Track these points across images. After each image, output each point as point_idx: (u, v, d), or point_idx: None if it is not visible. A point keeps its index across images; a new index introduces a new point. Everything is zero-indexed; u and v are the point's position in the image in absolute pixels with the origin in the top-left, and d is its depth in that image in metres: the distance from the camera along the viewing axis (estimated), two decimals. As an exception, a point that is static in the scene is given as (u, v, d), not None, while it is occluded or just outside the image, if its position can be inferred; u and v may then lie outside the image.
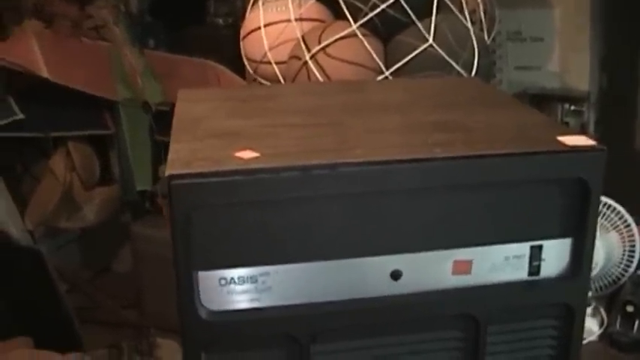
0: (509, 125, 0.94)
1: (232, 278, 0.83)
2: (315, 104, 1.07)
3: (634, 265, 1.53)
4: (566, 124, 1.96)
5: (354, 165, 0.80)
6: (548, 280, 0.89)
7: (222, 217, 0.80)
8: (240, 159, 0.81)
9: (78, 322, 1.95)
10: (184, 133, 0.92)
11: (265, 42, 1.67)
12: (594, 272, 1.48)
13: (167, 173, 0.78)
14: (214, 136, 0.90)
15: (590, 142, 0.86)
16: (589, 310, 1.52)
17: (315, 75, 1.58)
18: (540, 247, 0.88)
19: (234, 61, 2.02)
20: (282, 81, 1.68)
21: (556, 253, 0.88)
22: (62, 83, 2.06)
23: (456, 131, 0.91)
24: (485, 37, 1.67)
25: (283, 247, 0.82)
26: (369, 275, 0.85)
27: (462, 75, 1.54)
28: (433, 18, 1.56)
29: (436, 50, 1.53)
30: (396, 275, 0.85)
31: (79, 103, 2.12)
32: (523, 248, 0.87)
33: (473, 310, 0.87)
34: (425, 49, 1.55)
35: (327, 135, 0.91)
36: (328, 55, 1.58)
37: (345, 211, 0.82)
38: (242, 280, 0.83)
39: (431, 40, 1.54)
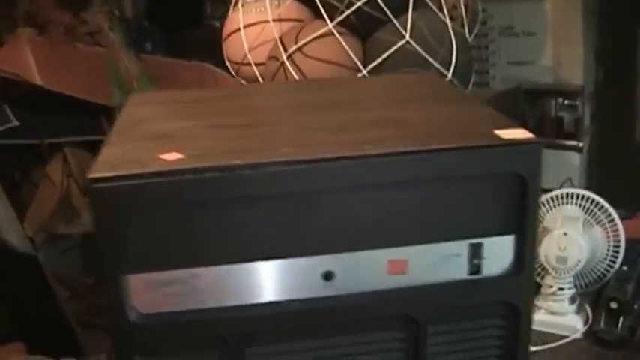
0: (450, 120, 0.92)
1: (162, 281, 0.82)
2: (262, 104, 1.07)
3: (618, 260, 1.49)
4: (561, 118, 1.93)
5: (276, 164, 0.78)
6: (490, 279, 0.87)
7: (146, 219, 0.79)
8: (164, 161, 0.80)
9: (79, 327, 1.95)
10: (120, 136, 0.92)
11: (245, 43, 1.66)
12: (578, 268, 1.45)
13: (89, 176, 0.77)
14: (148, 139, 0.89)
15: (527, 135, 0.83)
16: (573, 307, 1.48)
17: (292, 75, 1.56)
18: (480, 245, 0.86)
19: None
20: (260, 82, 1.67)
21: (497, 251, 0.86)
22: (56, 90, 2.07)
23: (393, 128, 0.89)
24: (467, 33, 1.64)
25: (212, 249, 0.81)
26: (301, 276, 0.83)
27: (439, 72, 1.52)
28: (410, 14, 1.54)
29: (413, 47, 1.51)
30: (328, 276, 0.84)
31: (75, 109, 2.13)
32: (462, 246, 0.85)
33: (411, 311, 0.86)
34: (402, 45, 1.52)
35: (260, 135, 0.89)
36: (305, 55, 1.56)
37: (272, 212, 0.81)
38: (172, 283, 0.82)
39: (407, 37, 1.52)
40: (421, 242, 0.84)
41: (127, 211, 0.78)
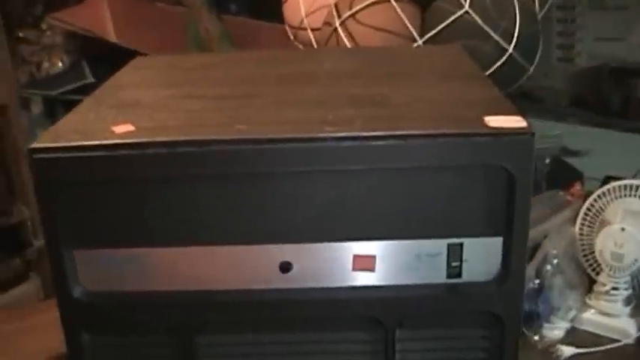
0: (440, 102, 0.82)
1: (110, 258, 0.77)
2: (256, 73, 0.99)
3: (682, 263, 1.34)
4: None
5: (221, 143, 0.71)
6: (472, 285, 0.77)
7: (91, 193, 0.75)
8: (112, 133, 0.74)
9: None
10: (90, 102, 0.88)
11: (302, 7, 1.59)
12: (635, 267, 1.31)
13: (29, 147, 0.72)
14: (114, 107, 0.85)
15: (521, 124, 0.72)
16: (628, 309, 1.34)
17: (344, 42, 1.48)
18: (460, 246, 0.76)
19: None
20: (314, 48, 1.59)
21: (481, 254, 0.76)
22: (132, 47, 2.06)
23: (371, 107, 0.80)
24: (536, 4, 1.50)
25: (164, 229, 0.76)
26: (256, 265, 0.77)
27: (499, 44, 1.40)
28: (470, -19, 1.42)
29: (472, 17, 1.39)
30: (285, 267, 0.76)
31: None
32: (439, 246, 0.76)
33: (378, 313, 0.77)
34: (460, 16, 1.41)
35: (227, 109, 0.82)
36: (358, 22, 1.48)
37: (223, 194, 0.74)
38: (121, 261, 0.78)
39: (467, 7, 1.40)
40: (392, 238, 0.75)
41: (67, 184, 0.74)
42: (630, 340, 1.31)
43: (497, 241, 0.76)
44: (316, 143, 0.71)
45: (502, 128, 0.72)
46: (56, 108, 2.12)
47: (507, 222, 0.74)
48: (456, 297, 0.77)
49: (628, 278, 1.33)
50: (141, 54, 2.02)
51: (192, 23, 2.22)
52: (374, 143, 0.71)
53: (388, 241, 0.76)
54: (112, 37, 2.07)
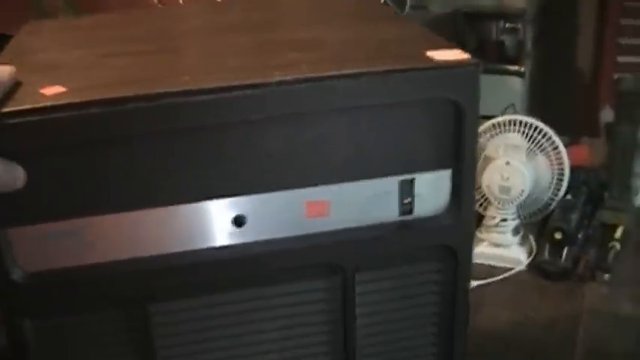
0: (377, 41, 0.82)
1: (48, 234, 0.71)
2: (173, 28, 0.95)
3: (562, 189, 1.42)
4: (502, 42, 1.83)
5: (170, 95, 0.67)
6: (424, 220, 0.78)
7: (25, 163, 0.67)
8: (43, 95, 0.67)
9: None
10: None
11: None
12: (522, 198, 1.37)
13: None
14: (32, 71, 0.77)
15: (463, 56, 0.73)
16: (517, 238, 1.41)
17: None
18: (412, 182, 0.76)
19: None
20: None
21: (432, 188, 0.77)
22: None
23: (311, 50, 0.78)
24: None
25: (103, 195, 0.71)
26: (209, 223, 0.73)
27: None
28: None
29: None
30: (239, 221, 0.73)
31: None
32: (391, 183, 0.75)
33: (335, 258, 0.76)
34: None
35: (160, 63, 0.78)
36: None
37: (170, 150, 0.70)
38: (60, 235, 0.71)
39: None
40: (343, 180, 0.74)
41: (-2, 153, 0.66)
42: (522, 267, 1.38)
43: (447, 174, 0.76)
44: (269, 88, 0.68)
45: (448, 61, 0.72)
46: None
47: (456, 154, 0.75)
48: (410, 233, 0.77)
49: (515, 209, 1.39)
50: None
51: (34, -4, 2.09)
52: (327, 84, 0.70)
53: (340, 184, 0.74)
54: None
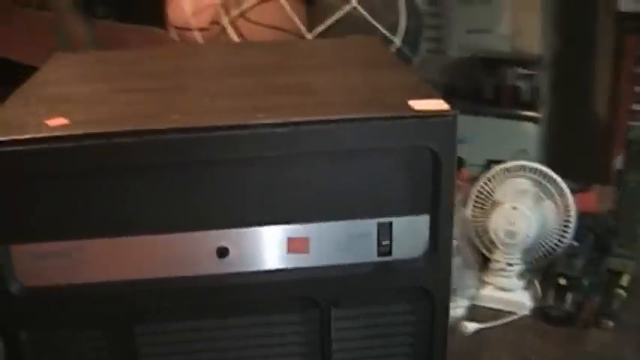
0: (365, 88, 0.86)
1: (46, 253, 0.77)
2: (182, 67, 1.01)
3: (569, 235, 1.43)
4: (518, 88, 1.86)
5: (159, 132, 0.72)
6: (402, 262, 0.81)
7: (26, 186, 0.74)
8: (47, 126, 0.74)
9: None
10: (19, 97, 0.87)
11: (187, 8, 1.58)
12: (527, 243, 1.39)
13: None
14: (44, 102, 0.84)
15: (443, 106, 0.77)
16: (522, 283, 1.43)
17: (233, 41, 1.49)
18: (389, 225, 0.79)
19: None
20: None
21: (410, 232, 0.80)
22: (3, 55, 2.00)
23: (299, 95, 0.83)
24: (419, -1, 1.57)
25: (97, 221, 0.76)
26: (194, 252, 0.78)
27: (387, 38, 1.45)
28: (357, -23, 1.47)
29: (360, 12, 1.44)
30: (222, 252, 0.78)
31: (22, 76, 2.04)
32: (369, 226, 0.79)
33: (313, 293, 0.80)
34: (348, 11, 1.45)
35: (159, 101, 0.83)
36: (247, 20, 1.49)
37: (159, 183, 0.75)
38: (56, 255, 0.77)
39: (354, 2, 1.44)
40: (324, 219, 0.78)
41: (1, 178, 0.72)
42: (526, 311, 1.40)
43: (425, 219, 0.80)
44: (249, 130, 0.73)
45: (426, 111, 0.76)
46: None
47: (433, 200, 0.78)
48: (387, 274, 0.81)
49: (520, 254, 1.41)
50: (12, 62, 1.98)
51: (60, 28, 2.18)
52: (304, 128, 0.74)
53: (321, 222, 0.78)
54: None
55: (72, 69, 0.99)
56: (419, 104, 0.77)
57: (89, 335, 0.80)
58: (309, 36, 1.47)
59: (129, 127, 0.72)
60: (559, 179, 1.38)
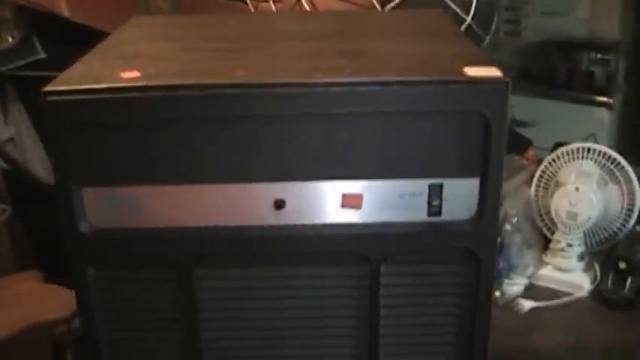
0: (423, 55, 0.89)
1: (114, 196, 0.82)
2: (244, 32, 1.05)
3: (632, 221, 1.44)
4: (592, 73, 1.85)
5: (223, 87, 0.77)
6: (450, 223, 0.84)
7: (98, 134, 0.80)
8: (121, 78, 0.79)
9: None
10: (95, 54, 0.92)
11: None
12: (588, 225, 1.40)
13: (44, 89, 0.77)
14: (118, 58, 0.89)
15: (496, 73, 0.79)
16: (582, 264, 1.44)
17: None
18: (440, 186, 0.82)
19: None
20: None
21: (459, 194, 0.83)
22: (84, 22, 2.06)
23: (359, 58, 0.86)
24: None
25: (163, 168, 0.81)
26: (252, 203, 0.82)
27: (458, 15, 1.47)
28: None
29: (434, -13, 1.46)
30: (279, 204, 0.82)
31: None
32: (421, 186, 0.82)
33: (364, 249, 0.84)
34: (422, -13, 1.48)
35: (225, 59, 0.88)
36: (322, -8, 1.53)
37: (222, 135, 0.80)
38: (124, 199, 0.82)
39: (428, -22, 1.47)
40: (377, 177, 0.82)
41: (78, 125, 0.78)
42: (584, 293, 1.41)
43: (475, 182, 0.82)
44: (307, 88, 0.77)
45: (480, 77, 0.79)
46: (6, 84, 2.12)
47: (484, 164, 0.81)
48: (436, 234, 0.84)
49: (581, 235, 1.42)
50: (93, 30, 2.05)
51: (142, -1, 2.24)
52: (360, 89, 0.78)
53: (374, 180, 0.82)
54: (65, 11, 2.06)
55: (146, 30, 1.05)
56: (473, 71, 0.80)
57: (151, 276, 0.86)
58: (381, 10, 1.50)
59: (195, 81, 0.77)
60: (626, 164, 1.38)
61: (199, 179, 0.81)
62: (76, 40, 2.06)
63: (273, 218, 0.83)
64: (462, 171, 0.82)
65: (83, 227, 0.82)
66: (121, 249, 0.84)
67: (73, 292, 1.68)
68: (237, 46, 0.95)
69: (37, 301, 1.73)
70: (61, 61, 2.04)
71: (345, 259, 0.85)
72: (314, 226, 0.83)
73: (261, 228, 0.83)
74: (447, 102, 0.79)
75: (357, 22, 1.15)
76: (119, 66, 0.83)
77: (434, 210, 0.83)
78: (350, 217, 0.83)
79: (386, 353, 0.89)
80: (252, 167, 0.81)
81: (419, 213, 0.84)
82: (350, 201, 0.82)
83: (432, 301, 0.87)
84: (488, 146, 0.80)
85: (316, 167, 0.81)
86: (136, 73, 0.80)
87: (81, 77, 0.81)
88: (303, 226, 0.83)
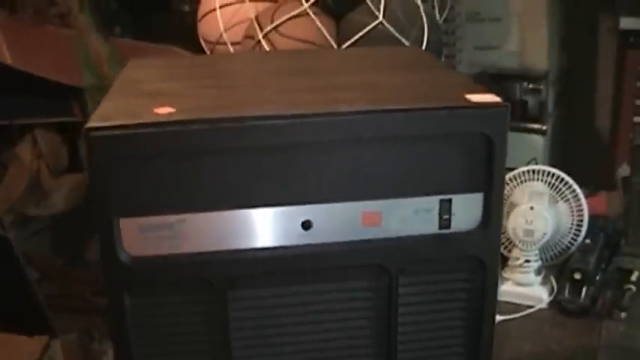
0: (424, 85, 0.98)
1: (151, 225, 0.87)
2: (249, 69, 1.12)
3: (582, 234, 1.57)
4: (525, 102, 1.99)
5: (259, 119, 0.84)
6: (459, 234, 0.92)
7: (138, 167, 0.84)
8: (157, 114, 0.85)
9: (49, 309, 1.97)
10: (118, 93, 0.97)
11: (221, 23, 1.70)
12: (544, 241, 1.52)
13: (86, 126, 0.81)
14: (143, 96, 0.95)
15: (497, 99, 0.89)
16: (539, 278, 1.56)
17: (267, 53, 1.61)
18: (450, 201, 0.91)
19: (200, 47, 2.04)
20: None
21: (466, 208, 0.92)
22: (27, 70, 2.07)
23: (367, 90, 0.95)
24: (437, 14, 1.70)
25: (198, 196, 0.86)
26: (281, 225, 0.89)
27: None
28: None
29: (386, 27, 1.56)
30: (306, 225, 0.89)
31: (45, 91, 2.13)
32: (432, 202, 0.91)
33: (384, 261, 0.91)
34: (375, 26, 1.58)
35: (245, 94, 0.95)
36: (281, 35, 1.61)
37: (255, 163, 0.86)
38: (161, 227, 0.87)
39: (381, 17, 1.57)
40: (394, 196, 0.90)
41: (120, 159, 0.83)
42: (544, 305, 1.52)
43: (479, 197, 0.92)
44: (336, 117, 0.85)
45: (483, 102, 0.89)
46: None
47: (487, 180, 0.91)
48: (447, 244, 0.93)
49: (537, 251, 1.54)
50: (36, 77, 2.06)
51: (81, 45, 2.27)
52: (380, 116, 0.86)
53: (391, 199, 0.90)
54: (7, 58, 2.07)
55: (152, 71, 1.11)
56: (476, 97, 0.90)
57: (185, 299, 0.90)
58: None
59: (231, 114, 0.84)
60: (573, 182, 1.52)
61: (232, 205, 0.87)
62: (18, 88, 2.08)
63: (301, 238, 0.89)
64: (468, 187, 0.91)
65: (123, 257, 0.86)
66: (157, 275, 0.89)
67: (33, 339, 1.68)
68: (247, 82, 1.02)
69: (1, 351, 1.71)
70: (3, 110, 2.04)
71: (366, 272, 0.92)
72: (339, 243, 0.90)
73: (291, 248, 0.89)
74: (455, 125, 0.88)
75: (343, 58, 1.24)
76: (148, 103, 0.88)
77: (444, 223, 0.92)
78: (370, 233, 0.91)
79: (403, 358, 0.96)
80: (282, 192, 0.88)
81: (431, 226, 0.92)
82: (370, 218, 0.90)
83: (443, 307, 0.95)
84: (492, 164, 0.90)
85: (339, 189, 0.89)
86: (169, 109, 0.86)
87: (117, 114, 0.86)
88: (329, 244, 0.90)
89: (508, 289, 1.55)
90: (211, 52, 1.81)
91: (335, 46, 1.62)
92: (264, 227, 0.89)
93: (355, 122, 0.85)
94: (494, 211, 0.92)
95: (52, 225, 2.36)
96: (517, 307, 1.53)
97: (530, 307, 1.52)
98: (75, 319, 2.03)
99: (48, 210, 2.23)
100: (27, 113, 2.15)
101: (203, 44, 1.82)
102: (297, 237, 0.89)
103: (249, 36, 1.68)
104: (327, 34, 1.62)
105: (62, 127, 2.21)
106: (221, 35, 1.74)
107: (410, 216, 0.91)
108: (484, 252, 0.93)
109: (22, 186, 2.17)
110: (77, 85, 2.18)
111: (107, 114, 0.86)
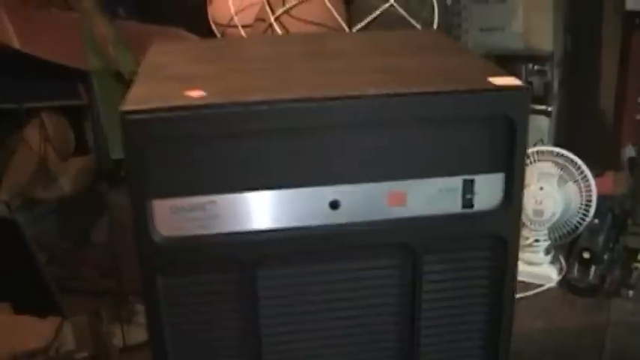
0: (447, 68, 1.01)
1: (183, 206, 0.89)
2: (272, 52, 1.14)
3: (590, 214, 1.60)
4: (530, 83, 2.01)
5: (289, 101, 0.86)
6: (482, 213, 0.95)
7: (172, 149, 0.86)
8: (189, 97, 0.87)
9: (57, 291, 1.99)
10: (147, 77, 0.99)
11: (231, 6, 1.71)
12: (553, 221, 1.55)
13: (121, 109, 0.83)
14: (172, 79, 0.96)
15: (517, 82, 0.92)
16: (549, 257, 1.59)
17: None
18: (472, 181, 0.94)
19: (207, 29, 2.05)
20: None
21: (488, 187, 0.94)
22: (34, 54, 2.08)
23: (393, 73, 0.97)
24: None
25: (229, 178, 0.89)
26: (310, 205, 0.91)
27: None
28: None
29: (397, 9, 1.58)
30: (334, 205, 0.91)
31: (52, 74, 2.14)
32: (456, 182, 0.93)
33: (409, 240, 0.94)
34: (386, 8, 1.59)
35: (273, 77, 0.97)
36: (292, 17, 1.63)
37: (285, 145, 0.88)
38: (192, 208, 0.89)
39: (392, 0, 1.59)
40: (419, 177, 0.92)
41: (154, 141, 0.85)
42: (553, 283, 1.55)
43: (501, 176, 0.94)
44: (363, 100, 0.88)
45: (505, 85, 0.91)
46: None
47: (509, 160, 0.93)
48: (470, 223, 0.95)
49: (547, 231, 1.57)
50: (42, 61, 2.08)
51: (86, 28, 2.27)
52: (408, 99, 0.89)
53: (416, 179, 0.93)
54: (15, 43, 2.08)
55: (177, 55, 1.12)
56: (498, 80, 0.92)
57: (217, 279, 0.93)
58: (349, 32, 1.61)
59: (262, 97, 0.86)
60: (582, 163, 1.54)
61: (263, 186, 0.90)
62: (25, 71, 2.09)
63: (329, 218, 0.92)
64: (490, 167, 0.94)
65: (156, 237, 0.89)
66: (187, 255, 0.91)
67: (45, 321, 1.70)
68: (273, 65, 1.04)
69: (12, 333, 1.73)
70: (11, 94, 2.05)
71: (392, 251, 0.95)
72: (365, 223, 0.93)
73: (320, 227, 0.92)
74: (479, 108, 0.91)
75: (363, 41, 1.26)
76: (177, 86, 0.90)
77: (467, 202, 0.95)
78: (396, 212, 0.93)
79: (426, 334, 0.99)
80: (310, 172, 0.90)
81: (454, 205, 0.95)
82: (396, 198, 0.93)
83: (466, 285, 0.98)
84: (513, 145, 0.92)
85: (366, 170, 0.91)
86: (201, 92, 0.88)
87: (150, 98, 0.87)
88: (356, 223, 0.92)
89: (519, 269, 1.58)
90: (222, 34, 1.82)
91: (346, 28, 1.64)
92: (293, 207, 0.91)
93: (384, 105, 0.88)
94: (515, 191, 0.94)
95: (60, 208, 2.37)
96: (527, 286, 1.56)
97: (540, 285, 1.56)
98: (83, 301, 2.05)
99: (55, 193, 2.25)
100: (34, 97, 2.17)
101: (213, 27, 1.84)
102: (325, 216, 0.92)
103: (261, 18, 1.70)
104: (338, 17, 1.63)
105: (68, 110, 2.22)
106: (232, 18, 1.75)
107: (434, 196, 0.94)
108: (505, 230, 0.95)
109: (29, 169, 2.19)
110: (83, 68, 2.19)
111: (141, 98, 0.88)
